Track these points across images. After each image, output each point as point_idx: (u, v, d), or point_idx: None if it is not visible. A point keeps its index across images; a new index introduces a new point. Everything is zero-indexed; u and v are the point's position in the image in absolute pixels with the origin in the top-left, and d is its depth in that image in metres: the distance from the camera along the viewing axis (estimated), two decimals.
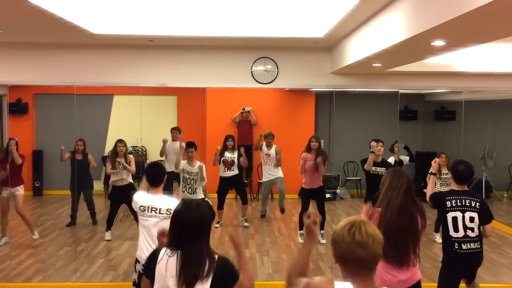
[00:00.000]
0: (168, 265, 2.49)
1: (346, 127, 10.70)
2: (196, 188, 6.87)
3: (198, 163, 6.84)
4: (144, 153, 10.40)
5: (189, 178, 6.83)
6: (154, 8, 4.68)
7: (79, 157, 7.76)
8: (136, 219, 7.18)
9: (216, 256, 2.58)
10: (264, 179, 8.54)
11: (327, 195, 10.29)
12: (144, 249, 3.91)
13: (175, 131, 8.47)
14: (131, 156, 7.67)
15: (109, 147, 9.58)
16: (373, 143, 6.59)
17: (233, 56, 6.43)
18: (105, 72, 6.36)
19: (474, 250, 4.11)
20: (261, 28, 5.42)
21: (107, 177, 10.04)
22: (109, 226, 7.43)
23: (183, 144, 6.84)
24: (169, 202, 3.92)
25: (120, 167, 7.46)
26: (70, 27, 5.00)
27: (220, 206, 8.19)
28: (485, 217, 4.12)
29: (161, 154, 8.36)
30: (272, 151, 8.43)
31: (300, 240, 7.47)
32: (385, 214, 3.41)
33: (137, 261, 4.13)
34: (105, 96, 10.21)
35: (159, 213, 3.94)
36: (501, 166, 10.22)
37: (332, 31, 5.28)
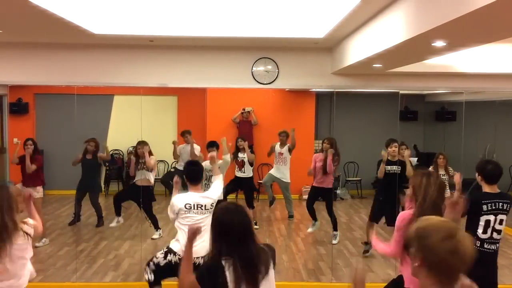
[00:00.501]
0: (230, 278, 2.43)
1: (347, 127, 10.70)
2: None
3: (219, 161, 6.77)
4: None
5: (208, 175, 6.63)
6: (154, 8, 4.68)
7: (89, 156, 7.72)
8: (153, 222, 7.27)
9: (263, 246, 2.61)
10: (270, 172, 8.50)
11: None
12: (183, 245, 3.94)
13: (187, 134, 8.43)
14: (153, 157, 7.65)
15: (109, 146, 9.57)
16: (383, 153, 6.66)
17: (233, 57, 6.44)
18: (106, 72, 6.36)
19: (491, 250, 4.17)
20: (262, 29, 5.42)
21: (108, 177, 10.05)
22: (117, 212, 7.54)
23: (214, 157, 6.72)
24: (208, 198, 4.29)
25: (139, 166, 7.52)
26: (71, 27, 5.00)
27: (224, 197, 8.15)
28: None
29: (174, 156, 8.39)
30: (285, 150, 8.34)
31: (310, 229, 7.46)
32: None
33: (170, 251, 4.26)
34: (106, 96, 10.22)
35: (205, 209, 4.23)
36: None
37: (333, 31, 5.27)
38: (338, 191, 10.52)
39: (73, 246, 6.92)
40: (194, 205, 4.20)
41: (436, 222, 1.98)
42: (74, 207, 8.06)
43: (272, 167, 8.64)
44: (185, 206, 4.20)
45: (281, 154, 8.36)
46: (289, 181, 8.37)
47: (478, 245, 4.11)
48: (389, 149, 6.67)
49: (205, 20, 5.14)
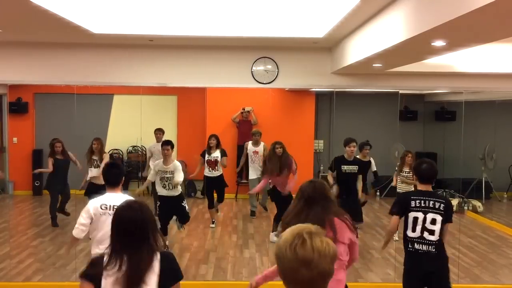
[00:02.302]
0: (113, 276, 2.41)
1: (346, 127, 10.67)
2: (173, 184, 6.70)
3: (174, 161, 6.70)
4: (144, 152, 10.39)
5: (165, 176, 6.65)
6: (154, 7, 4.68)
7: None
8: None
9: (159, 253, 2.48)
10: (252, 177, 8.65)
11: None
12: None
13: (159, 132, 8.50)
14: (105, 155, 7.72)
15: (108, 146, 9.58)
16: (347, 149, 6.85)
17: (233, 56, 6.43)
18: (105, 71, 6.36)
19: (425, 251, 4.00)
20: (262, 28, 5.42)
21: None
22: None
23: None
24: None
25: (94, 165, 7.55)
26: (71, 27, 4.99)
27: (210, 205, 8.19)
28: (447, 216, 4.03)
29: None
30: (260, 148, 8.52)
31: (274, 239, 7.40)
32: None
33: None
34: (105, 95, 10.21)
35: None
36: (501, 166, 10.22)
37: (333, 31, 5.27)
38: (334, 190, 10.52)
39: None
40: (110, 206, 3.83)
41: (290, 230, 1.74)
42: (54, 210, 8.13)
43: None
44: (100, 207, 3.87)
45: (256, 152, 8.59)
46: None
47: (410, 246, 4.05)
48: (347, 148, 6.86)
49: (205, 19, 5.14)
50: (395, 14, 4.00)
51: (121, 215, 2.51)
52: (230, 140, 9.72)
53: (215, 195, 8.26)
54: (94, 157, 7.64)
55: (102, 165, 7.39)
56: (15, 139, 9.95)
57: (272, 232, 7.46)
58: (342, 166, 6.83)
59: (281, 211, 7.33)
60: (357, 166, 6.89)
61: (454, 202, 8.94)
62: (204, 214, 8.73)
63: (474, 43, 4.19)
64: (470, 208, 9.59)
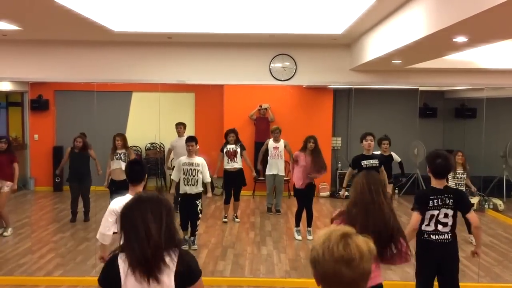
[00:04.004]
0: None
1: (365, 124, 10.58)
2: (198, 180, 6.78)
3: (197, 157, 6.86)
4: (162, 149, 10.47)
5: (190, 169, 6.75)
6: (173, 5, 4.70)
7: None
8: None
9: (177, 251, 2.31)
10: (269, 172, 8.68)
11: (346, 193, 10.27)
12: None
13: (180, 126, 8.54)
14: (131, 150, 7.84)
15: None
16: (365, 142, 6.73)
17: (251, 53, 6.43)
18: (124, 69, 6.41)
19: (443, 240, 4.16)
20: (280, 25, 5.40)
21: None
22: None
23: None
24: None
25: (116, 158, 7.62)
26: (91, 25, 5.05)
27: (227, 201, 8.26)
28: (463, 207, 4.15)
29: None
30: (281, 144, 8.54)
31: (297, 237, 7.47)
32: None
33: None
34: (124, 93, 10.30)
35: None
36: None
37: (352, 27, 5.23)
38: None
39: (92, 241, 6.99)
40: None
41: (323, 232, 1.74)
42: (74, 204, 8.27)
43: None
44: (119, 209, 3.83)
45: (276, 148, 8.59)
46: (283, 174, 8.66)
47: (425, 236, 4.18)
48: (364, 142, 6.75)
49: (223, 16, 5.14)
50: (416, 9, 3.95)
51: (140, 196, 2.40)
52: (247, 137, 9.71)
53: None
54: (119, 151, 7.65)
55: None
56: (36, 136, 10.11)
57: (296, 227, 7.53)
58: (362, 161, 6.67)
59: (307, 207, 7.40)
60: (377, 160, 6.72)
61: (475, 200, 8.82)
62: (222, 211, 8.75)
63: (497, 39, 4.12)
64: (491, 206, 9.45)
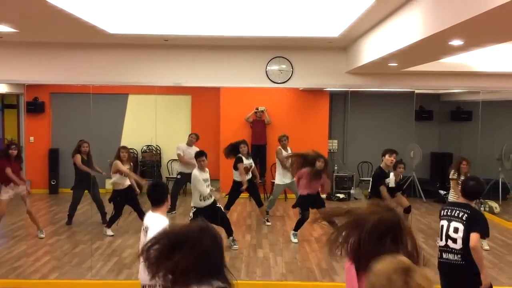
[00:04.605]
0: None
1: (361, 127, 10.65)
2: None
3: (207, 169, 6.86)
4: (158, 152, 10.47)
5: (208, 184, 6.75)
6: (169, 7, 4.69)
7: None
8: (140, 216, 7.26)
9: None
10: (279, 182, 8.45)
11: (341, 196, 10.29)
12: None
13: (193, 136, 8.71)
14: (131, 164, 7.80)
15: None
16: (387, 158, 6.52)
17: (247, 56, 6.44)
18: (121, 71, 6.41)
19: (452, 262, 3.97)
20: (276, 28, 5.41)
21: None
22: (111, 225, 7.60)
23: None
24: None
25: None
26: (87, 27, 5.04)
27: (228, 207, 8.15)
28: (471, 226, 3.92)
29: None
30: (289, 152, 8.36)
31: (294, 239, 7.44)
32: None
33: None
34: (120, 95, 10.30)
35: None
36: None
37: (348, 30, 5.24)
38: (352, 191, 10.49)
39: (88, 244, 6.98)
40: (144, 227, 3.75)
41: (391, 263, 1.77)
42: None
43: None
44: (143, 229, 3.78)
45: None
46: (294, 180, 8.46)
47: (439, 256, 4.08)
48: (387, 157, 6.57)
49: (219, 19, 5.15)
50: (412, 13, 3.97)
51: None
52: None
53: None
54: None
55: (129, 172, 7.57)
56: (31, 138, 10.09)
57: (293, 231, 7.50)
58: (385, 179, 6.53)
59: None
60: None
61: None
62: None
63: (492, 42, 4.13)
64: (487, 209, 9.46)
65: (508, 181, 9.95)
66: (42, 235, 7.44)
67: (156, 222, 3.57)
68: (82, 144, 8.02)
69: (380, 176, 6.56)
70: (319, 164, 7.17)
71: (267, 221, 8.42)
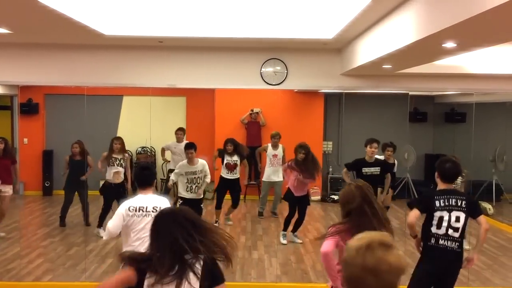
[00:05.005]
0: None
1: (355, 128, 10.66)
2: (200, 186, 6.88)
3: (199, 160, 6.87)
4: (153, 153, 10.45)
5: (194, 177, 6.82)
6: (164, 9, 4.69)
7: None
8: None
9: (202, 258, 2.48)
10: (264, 179, 8.73)
11: (336, 197, 10.30)
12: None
13: (180, 132, 8.71)
14: (127, 155, 7.78)
15: None
16: (368, 149, 6.70)
17: (242, 57, 6.43)
18: (115, 73, 6.39)
19: (449, 248, 4.05)
20: (271, 30, 5.41)
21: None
22: (101, 224, 7.51)
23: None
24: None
25: (117, 164, 7.55)
26: (81, 28, 5.02)
27: (219, 206, 8.22)
28: (474, 211, 4.12)
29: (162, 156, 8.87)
30: (280, 151, 8.54)
31: (283, 241, 7.47)
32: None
33: None
34: (115, 97, 10.28)
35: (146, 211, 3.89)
36: None
37: (342, 32, 5.25)
38: None
39: (82, 246, 6.95)
40: (136, 208, 3.88)
41: (362, 236, 1.75)
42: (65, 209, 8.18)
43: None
44: (129, 209, 3.89)
45: (275, 156, 8.62)
46: (282, 180, 8.61)
47: (433, 242, 4.07)
48: (367, 148, 6.72)
49: (214, 21, 5.14)
50: (406, 15, 3.98)
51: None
52: (238, 141, 9.72)
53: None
54: (116, 156, 7.65)
55: (126, 164, 7.66)
56: (25, 140, 10.04)
57: (282, 231, 7.50)
58: (362, 168, 6.64)
59: (298, 212, 7.40)
60: (379, 168, 6.69)
61: None
62: (212, 215, 8.73)
63: (486, 44, 4.15)
64: None
65: (501, 182, 10.01)
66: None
67: (167, 202, 3.93)
68: (73, 144, 8.01)
69: (357, 162, 6.78)
70: (300, 155, 7.21)
71: (228, 219, 8.56)
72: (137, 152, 10.40)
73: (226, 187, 8.25)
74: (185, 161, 6.90)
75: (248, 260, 6.73)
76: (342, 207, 3.45)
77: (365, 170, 6.63)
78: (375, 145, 6.70)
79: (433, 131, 11.16)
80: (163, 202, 3.94)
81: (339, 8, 4.50)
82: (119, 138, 7.80)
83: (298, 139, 9.36)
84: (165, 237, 2.46)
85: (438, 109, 11.11)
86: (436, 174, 4.24)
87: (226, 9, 4.65)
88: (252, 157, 9.65)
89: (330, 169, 10.70)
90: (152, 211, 3.82)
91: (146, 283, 2.43)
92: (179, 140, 8.75)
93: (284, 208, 9.03)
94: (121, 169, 7.63)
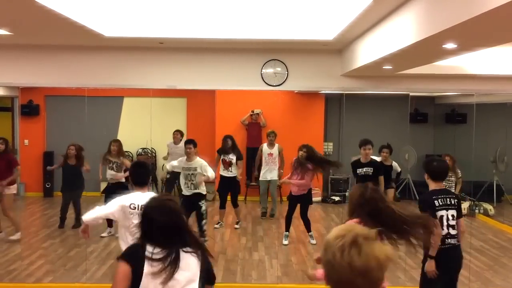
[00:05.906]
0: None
1: (356, 129, 10.64)
2: (196, 183, 6.75)
3: (198, 159, 6.77)
4: (154, 154, 10.45)
5: (188, 174, 6.74)
6: (164, 10, 4.70)
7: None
8: None
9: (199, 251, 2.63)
10: (260, 178, 8.77)
11: (337, 198, 10.30)
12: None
13: (177, 133, 8.77)
14: (124, 160, 7.76)
15: None
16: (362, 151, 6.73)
17: (243, 59, 6.44)
18: (116, 74, 6.39)
19: (455, 245, 4.19)
20: (271, 31, 5.42)
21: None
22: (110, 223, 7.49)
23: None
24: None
25: (115, 166, 7.60)
26: (82, 30, 5.03)
27: (222, 206, 8.24)
28: (460, 211, 4.26)
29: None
30: (275, 150, 8.56)
31: (284, 241, 7.46)
32: None
33: None
34: (116, 98, 10.28)
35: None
36: None
37: (343, 33, 5.26)
38: (347, 193, 10.49)
39: (83, 248, 6.94)
40: (139, 206, 3.76)
41: (337, 230, 1.57)
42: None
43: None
44: (130, 206, 3.78)
45: (270, 155, 8.62)
46: (276, 178, 8.67)
47: (440, 244, 4.12)
48: (361, 150, 6.75)
49: (214, 22, 5.15)
50: (406, 16, 3.99)
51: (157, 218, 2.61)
52: (239, 143, 9.71)
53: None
54: (111, 159, 7.66)
55: (124, 168, 7.60)
56: (26, 141, 10.04)
57: (285, 232, 7.49)
58: (357, 169, 6.69)
59: (300, 212, 7.39)
60: (372, 168, 6.66)
61: (465, 205, 8.87)
62: (214, 216, 8.73)
63: (486, 45, 4.16)
64: (481, 211, 9.51)
65: (502, 183, 10.00)
66: (14, 237, 7.35)
67: None
68: (69, 146, 8.00)
69: (353, 163, 6.85)
70: (300, 153, 7.22)
71: (237, 223, 8.51)
72: (138, 153, 10.40)
73: (224, 185, 8.29)
74: (185, 157, 6.89)
75: (249, 261, 6.73)
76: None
77: (359, 170, 6.70)
78: (368, 146, 6.71)
79: (433, 132, 11.15)
80: None
81: (339, 9, 4.50)
82: (117, 141, 7.80)
83: (298, 140, 9.35)
84: (152, 225, 2.58)
85: (438, 110, 11.10)
86: (426, 175, 4.31)
87: (226, 10, 4.66)
88: (253, 159, 9.66)
89: (331, 170, 10.68)
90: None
91: (145, 271, 2.51)
92: (176, 142, 8.79)
93: (285, 210, 9.03)
94: (114, 173, 7.59)
